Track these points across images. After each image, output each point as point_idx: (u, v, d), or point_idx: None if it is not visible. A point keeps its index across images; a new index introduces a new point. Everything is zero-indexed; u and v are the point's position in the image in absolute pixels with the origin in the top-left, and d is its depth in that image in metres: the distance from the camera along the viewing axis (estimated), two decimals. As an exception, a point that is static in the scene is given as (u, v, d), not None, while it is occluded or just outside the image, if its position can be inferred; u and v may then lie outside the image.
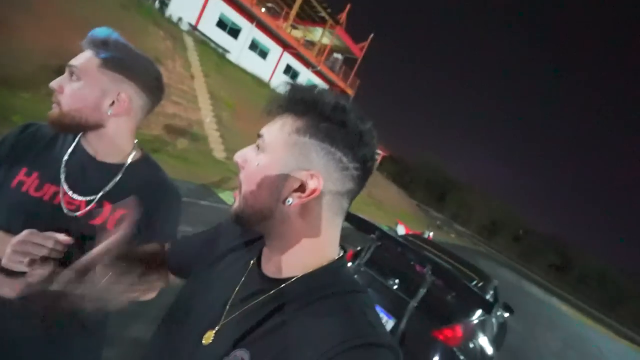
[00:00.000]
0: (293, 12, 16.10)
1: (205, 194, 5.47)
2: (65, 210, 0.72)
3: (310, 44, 19.39)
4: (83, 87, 0.70)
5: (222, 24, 14.14)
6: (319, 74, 18.89)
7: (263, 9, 15.92)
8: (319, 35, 18.83)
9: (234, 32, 14.74)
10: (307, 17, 18.11)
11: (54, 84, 0.71)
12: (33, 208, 0.71)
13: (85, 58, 0.71)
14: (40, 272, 0.59)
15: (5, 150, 0.75)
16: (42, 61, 5.42)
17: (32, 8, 6.12)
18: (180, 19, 12.10)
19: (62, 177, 0.73)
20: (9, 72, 5.02)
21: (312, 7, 16.70)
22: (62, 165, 0.74)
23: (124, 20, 8.14)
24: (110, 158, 0.78)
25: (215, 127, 9.06)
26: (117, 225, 0.59)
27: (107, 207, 0.75)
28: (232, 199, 5.48)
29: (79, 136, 0.78)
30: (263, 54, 16.21)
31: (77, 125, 0.72)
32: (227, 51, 14.14)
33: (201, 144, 8.02)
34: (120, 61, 0.72)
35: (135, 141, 0.83)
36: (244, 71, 14.25)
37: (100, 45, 0.71)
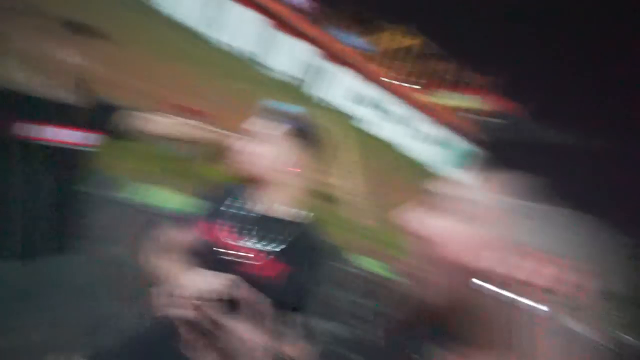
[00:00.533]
0: None
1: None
2: (240, 260, 0.78)
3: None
4: (268, 150, 0.84)
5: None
6: None
7: None
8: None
9: None
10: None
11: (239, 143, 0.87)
12: (215, 253, 0.78)
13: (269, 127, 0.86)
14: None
15: (206, 201, 0.87)
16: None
17: None
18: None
19: (243, 227, 0.80)
20: None
21: None
22: (236, 211, 0.82)
23: None
24: (281, 211, 0.84)
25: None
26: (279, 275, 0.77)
27: (279, 263, 0.79)
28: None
29: (253, 187, 0.86)
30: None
31: (257, 179, 0.84)
32: None
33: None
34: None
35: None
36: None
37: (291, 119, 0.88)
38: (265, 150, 0.80)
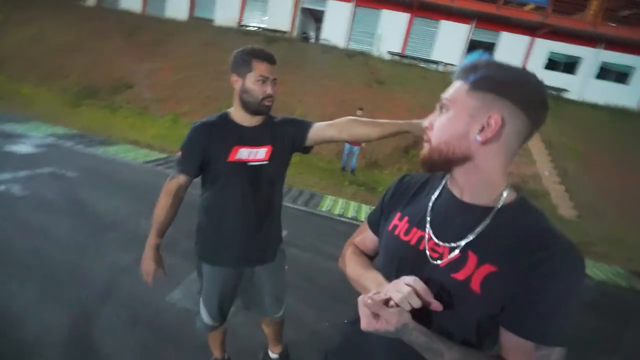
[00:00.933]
0: None
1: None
2: (429, 258, 0.66)
3: None
4: (451, 117, 0.63)
5: (553, 63, 12.53)
6: None
7: (614, 24, 12.28)
8: None
9: (569, 66, 12.63)
10: None
11: (425, 121, 0.68)
12: (402, 252, 0.70)
13: (453, 88, 0.64)
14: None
15: (387, 198, 0.81)
16: (394, 145, 8.29)
17: (385, 109, 8.97)
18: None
19: (428, 220, 0.69)
20: (377, 156, 8.10)
21: None
22: (429, 209, 0.70)
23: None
24: (478, 199, 0.65)
25: (558, 179, 7.93)
26: (483, 286, 0.58)
27: (472, 260, 0.61)
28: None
29: (446, 177, 0.73)
30: (622, 76, 12.41)
31: (446, 160, 0.64)
32: (563, 90, 12.06)
33: (541, 201, 7.12)
34: (491, 78, 0.60)
35: (508, 183, 0.66)
36: (594, 107, 11.51)
37: (470, 71, 0.62)
38: (451, 118, 0.61)
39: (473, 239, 0.62)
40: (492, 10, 11.87)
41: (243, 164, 1.27)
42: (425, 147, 0.66)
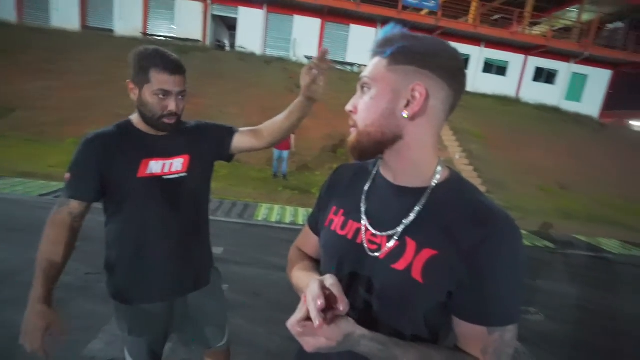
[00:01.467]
0: (528, 9, 14.23)
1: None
2: (367, 251, 0.61)
3: (564, 31, 15.90)
4: (374, 95, 0.59)
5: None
6: (590, 61, 14.50)
7: (489, 25, 14.48)
8: (574, 15, 15.28)
9: None
10: (550, 3, 15.13)
11: (348, 106, 0.62)
12: (341, 248, 0.66)
13: (372, 65, 0.61)
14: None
15: (323, 193, 0.77)
16: (322, 146, 8.45)
17: (315, 113, 8.74)
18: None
19: (362, 210, 0.65)
20: (306, 159, 8.08)
21: None
22: (363, 198, 0.66)
23: None
24: (412, 180, 0.61)
25: (467, 161, 8.67)
26: (425, 273, 0.55)
27: (411, 246, 0.57)
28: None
29: (378, 164, 0.68)
30: (501, 70, 14.65)
31: (375, 143, 0.59)
32: None
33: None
34: (409, 50, 0.57)
35: (440, 158, 0.63)
36: (484, 96, 13.24)
37: (386, 44, 0.59)
38: (374, 97, 0.58)
39: (409, 224, 0.58)
40: (393, 14, 13.00)
41: (157, 178, 1.09)
42: (353, 133, 0.61)
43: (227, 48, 14.37)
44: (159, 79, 1.01)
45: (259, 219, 4.71)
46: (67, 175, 1.04)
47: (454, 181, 0.61)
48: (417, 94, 0.55)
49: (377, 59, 0.60)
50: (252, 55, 12.48)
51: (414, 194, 0.60)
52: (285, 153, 6.95)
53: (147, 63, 1.01)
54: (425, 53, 0.56)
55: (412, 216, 0.58)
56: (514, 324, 0.55)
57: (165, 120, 1.06)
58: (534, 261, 4.43)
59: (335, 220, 0.69)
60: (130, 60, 1.04)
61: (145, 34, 12.68)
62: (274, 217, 4.85)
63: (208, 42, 13.19)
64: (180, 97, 1.07)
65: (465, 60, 14.41)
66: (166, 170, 1.10)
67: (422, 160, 0.60)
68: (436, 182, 0.60)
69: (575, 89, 15.25)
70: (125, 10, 12.64)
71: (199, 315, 1.28)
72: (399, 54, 0.57)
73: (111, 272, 1.16)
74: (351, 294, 0.60)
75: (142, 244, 1.10)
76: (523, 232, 5.70)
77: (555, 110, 13.77)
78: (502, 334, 0.54)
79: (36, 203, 4.26)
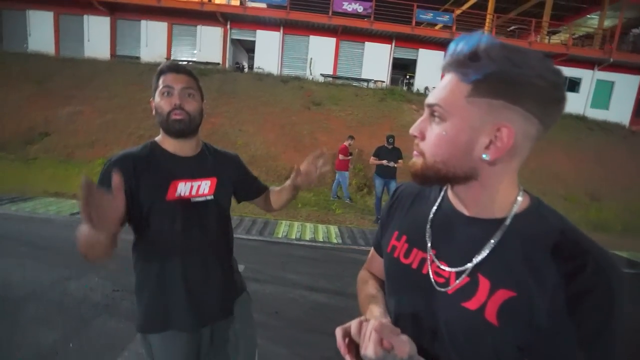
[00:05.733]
0: (545, 18, 14.08)
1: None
2: (434, 284, 0.56)
3: (586, 38, 15.71)
4: (449, 129, 0.50)
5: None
6: (616, 67, 13.87)
7: (504, 36, 14.62)
8: (595, 22, 15.15)
9: None
10: (569, 11, 15.37)
11: (414, 129, 0.54)
12: (404, 278, 0.61)
13: (448, 88, 0.50)
14: None
15: (384, 214, 0.73)
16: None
17: (327, 128, 9.78)
18: (426, 89, 13.18)
19: (428, 239, 0.59)
20: (323, 175, 7.98)
21: None
22: (428, 226, 0.60)
23: (384, 109, 10.81)
24: (486, 212, 0.54)
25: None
26: (501, 316, 0.48)
27: (485, 285, 0.50)
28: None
29: (445, 187, 0.62)
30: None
31: (444, 179, 0.54)
32: None
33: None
34: (499, 78, 0.46)
35: (521, 187, 0.54)
36: None
37: (468, 62, 0.48)
38: (449, 131, 0.50)
39: (482, 260, 0.51)
40: (407, 30, 13.13)
41: (186, 201, 1.06)
42: (418, 161, 0.54)
43: (246, 69, 14.87)
44: (164, 80, 1.05)
45: (279, 236, 4.71)
46: None
47: (535, 210, 0.53)
48: (503, 136, 0.47)
49: (454, 81, 0.50)
50: (269, 75, 12.85)
51: (488, 225, 0.52)
52: (346, 174, 6.84)
53: (156, 76, 1.07)
54: (519, 83, 0.46)
55: (486, 251, 0.51)
56: None
57: (173, 116, 1.03)
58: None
59: (398, 247, 0.63)
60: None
61: (168, 59, 13.35)
62: (294, 234, 4.83)
63: (227, 65, 13.70)
64: (186, 95, 1.05)
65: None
66: (194, 192, 1.08)
67: (499, 195, 0.53)
68: (514, 213, 0.52)
69: (602, 96, 14.69)
70: (151, 38, 13.41)
71: (229, 343, 1.22)
72: (486, 82, 0.47)
73: (139, 300, 1.11)
74: (414, 328, 0.57)
75: (167, 267, 1.06)
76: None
77: (580, 119, 13.26)
78: None
79: (67, 222, 4.44)
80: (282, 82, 12.17)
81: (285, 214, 5.89)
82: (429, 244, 0.58)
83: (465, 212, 0.56)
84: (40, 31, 12.93)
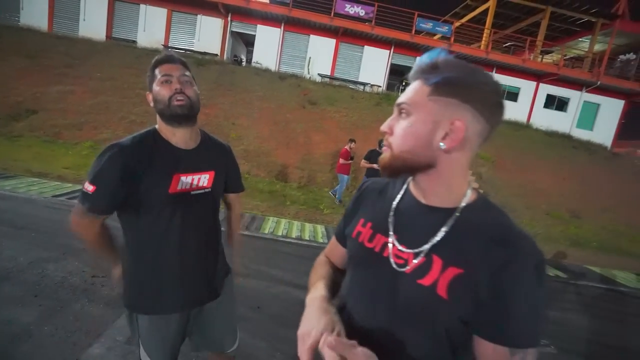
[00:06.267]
0: (540, 38, 14.64)
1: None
2: (393, 265, 0.63)
3: (576, 60, 16.41)
4: (413, 122, 0.60)
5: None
6: (602, 90, 14.63)
7: (500, 52, 15.08)
8: (586, 45, 15.91)
9: None
10: (562, 33, 15.99)
11: (384, 126, 0.64)
12: (367, 260, 0.68)
13: (413, 90, 0.61)
14: None
15: (350, 205, 0.80)
16: (331, 162, 8.58)
17: (322, 128, 9.87)
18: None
19: (390, 226, 0.67)
20: (316, 174, 8.28)
21: (565, 19, 14.67)
22: (391, 214, 0.68)
23: (379, 114, 10.70)
24: (441, 201, 0.64)
25: (475, 185, 9.03)
26: (450, 290, 0.56)
27: (438, 264, 0.59)
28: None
29: (408, 180, 0.71)
30: (512, 95, 14.73)
31: (409, 168, 0.63)
32: None
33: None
34: (453, 82, 0.58)
35: (471, 178, 0.66)
36: None
37: (429, 70, 0.60)
38: (413, 124, 0.59)
39: (436, 242, 0.60)
40: (407, 38, 13.27)
41: (186, 194, 1.10)
42: (387, 153, 0.63)
43: (244, 63, 14.77)
44: (161, 70, 1.08)
45: (266, 232, 4.71)
46: (91, 187, 1.00)
47: (481, 203, 0.63)
48: (456, 128, 0.57)
49: (419, 84, 0.61)
50: (267, 70, 12.80)
51: (443, 213, 0.62)
52: (347, 177, 6.93)
53: (152, 68, 1.10)
54: (468, 87, 0.57)
55: (439, 235, 0.60)
56: (534, 348, 0.55)
57: (175, 102, 1.05)
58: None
59: (363, 233, 0.70)
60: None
61: (166, 46, 13.15)
62: (281, 231, 4.84)
63: (226, 57, 13.59)
64: (185, 81, 1.08)
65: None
66: (194, 185, 1.13)
67: (453, 184, 0.63)
68: (464, 204, 0.62)
69: (587, 117, 15.16)
70: (149, 23, 13.18)
71: (215, 321, 1.30)
72: (443, 84, 0.58)
73: (129, 281, 1.15)
74: (374, 306, 0.63)
75: (160, 256, 1.11)
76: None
77: (566, 138, 13.66)
78: (524, 356, 0.54)
79: (49, 203, 4.34)
80: (280, 78, 12.14)
81: (273, 210, 5.89)
82: (391, 230, 0.66)
83: (424, 202, 0.65)
84: (34, 5, 12.57)
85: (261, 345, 2.22)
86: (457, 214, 0.61)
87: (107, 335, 2.07)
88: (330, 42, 13.74)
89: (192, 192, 1.12)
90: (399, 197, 0.70)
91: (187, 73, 1.10)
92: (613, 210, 9.54)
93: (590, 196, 9.98)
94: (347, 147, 6.76)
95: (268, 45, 13.63)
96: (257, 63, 13.48)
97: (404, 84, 14.71)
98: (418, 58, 0.63)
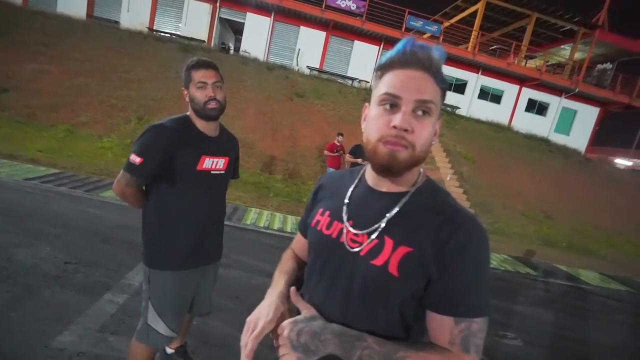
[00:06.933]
0: (524, 43, 15.19)
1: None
2: (348, 248, 0.66)
3: (558, 66, 17.00)
4: (433, 123, 0.62)
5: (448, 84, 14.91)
6: (580, 97, 15.24)
7: (487, 54, 15.31)
8: (567, 53, 16.44)
9: (459, 87, 14.86)
10: (546, 39, 16.49)
11: (404, 124, 0.59)
12: (325, 246, 0.70)
13: (432, 89, 0.60)
14: None
15: (311, 198, 0.83)
16: (316, 155, 8.64)
17: (308, 121, 9.83)
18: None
19: (345, 213, 0.70)
20: (300, 167, 8.19)
21: (550, 27, 15.20)
22: (346, 201, 0.71)
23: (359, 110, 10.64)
24: (394, 187, 0.67)
25: (457, 183, 9.09)
26: (400, 268, 0.59)
27: (389, 244, 0.62)
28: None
29: (363, 169, 0.75)
30: (496, 98, 15.23)
31: (415, 166, 0.63)
32: (456, 107, 14.24)
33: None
34: (444, 79, 0.62)
35: (421, 167, 0.69)
36: (478, 121, 13.97)
37: (430, 62, 0.60)
38: (432, 123, 0.61)
39: (387, 223, 0.63)
40: (397, 35, 13.33)
41: (207, 172, 1.38)
42: (404, 153, 0.60)
43: (232, 51, 14.47)
44: (198, 75, 1.32)
45: (248, 222, 4.68)
46: (138, 159, 1.24)
47: (429, 186, 0.68)
48: (439, 127, 0.65)
49: (432, 83, 0.60)
50: (255, 60, 12.60)
51: (394, 197, 0.66)
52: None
53: (188, 69, 1.34)
54: (445, 93, 0.63)
55: (389, 216, 0.64)
56: (481, 317, 0.58)
57: (209, 106, 1.32)
58: (516, 286, 4.49)
59: (322, 221, 0.73)
60: (182, 74, 1.36)
61: (151, 29, 12.70)
62: (263, 223, 4.83)
63: (213, 44, 13.27)
64: (217, 86, 1.35)
65: (462, 85, 14.81)
66: (214, 166, 1.40)
67: (415, 172, 0.67)
68: (415, 187, 0.66)
69: (565, 123, 15.75)
70: (133, 3, 12.69)
71: (207, 285, 1.57)
72: (444, 90, 0.63)
73: (152, 240, 1.38)
74: (333, 289, 0.66)
75: (182, 220, 1.36)
76: (505, 256, 5.78)
77: (544, 141, 14.16)
78: (469, 324, 0.57)
79: (20, 187, 4.16)
80: (268, 69, 11.98)
81: (256, 202, 5.86)
82: (346, 216, 0.69)
83: (378, 188, 0.68)
84: (8, -23, 11.86)
85: (237, 334, 2.22)
86: (407, 197, 0.65)
87: (79, 323, 2.02)
88: (321, 35, 13.64)
89: (212, 172, 1.40)
90: (353, 185, 0.73)
91: (219, 79, 1.36)
92: (583, 212, 10.00)
93: (563, 198, 10.42)
94: (335, 140, 6.79)
95: (257, 35, 13.40)
96: (245, 52, 13.24)
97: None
98: (411, 39, 0.62)
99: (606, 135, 16.61)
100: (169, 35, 12.56)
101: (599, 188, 11.82)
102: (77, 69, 9.06)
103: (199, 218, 1.38)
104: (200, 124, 1.37)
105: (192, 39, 12.59)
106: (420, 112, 0.59)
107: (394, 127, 0.59)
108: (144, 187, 1.36)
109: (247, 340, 0.62)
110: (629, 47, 15.26)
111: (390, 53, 0.63)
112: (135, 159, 1.24)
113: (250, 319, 0.64)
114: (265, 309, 0.65)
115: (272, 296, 0.69)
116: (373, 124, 0.62)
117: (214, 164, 1.39)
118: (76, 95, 8.32)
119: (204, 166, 1.36)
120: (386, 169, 0.62)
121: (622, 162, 19.94)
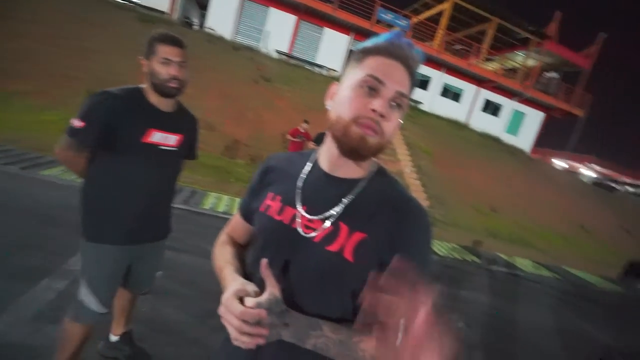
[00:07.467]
0: (485, 46, 15.67)
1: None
2: (302, 234, 0.65)
3: (512, 71, 17.74)
4: (401, 115, 0.64)
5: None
6: (529, 101, 16.53)
7: (451, 53, 15.73)
8: (521, 59, 17.30)
9: (423, 83, 15.26)
10: (504, 44, 16.98)
11: (382, 109, 0.59)
12: (277, 232, 0.68)
13: (407, 84, 0.62)
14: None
15: (257, 181, 0.79)
16: (280, 141, 8.41)
17: (274, 106, 9.56)
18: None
19: (298, 198, 0.69)
20: (262, 152, 7.79)
21: (508, 33, 15.80)
22: (299, 186, 0.70)
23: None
24: (349, 173, 0.68)
25: (415, 176, 9.38)
26: (356, 254, 0.61)
27: (344, 230, 0.63)
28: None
29: (315, 154, 0.74)
30: (456, 96, 15.89)
31: (380, 153, 0.65)
32: (419, 102, 14.55)
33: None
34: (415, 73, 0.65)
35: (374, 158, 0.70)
36: (438, 117, 14.36)
37: (410, 56, 0.62)
38: (402, 114, 0.64)
39: (342, 210, 0.64)
40: (367, 26, 13.40)
41: (154, 146, 1.33)
42: (374, 139, 0.61)
43: (196, 27, 13.66)
44: (163, 50, 1.26)
45: (206, 207, 4.55)
46: (81, 123, 1.20)
47: (381, 174, 0.71)
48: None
49: (408, 79, 0.62)
50: (220, 39, 12.01)
51: (348, 184, 0.67)
52: None
53: (154, 41, 1.27)
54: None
55: (344, 202, 0.65)
56: None
57: (170, 85, 1.28)
58: (463, 273, 4.85)
59: (273, 206, 0.71)
60: (145, 43, 1.29)
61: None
62: (222, 208, 4.72)
63: (175, 17, 12.42)
64: (181, 65, 1.29)
65: (426, 81, 15.34)
66: (163, 141, 1.35)
67: (372, 159, 0.69)
68: (370, 175, 0.68)
69: (515, 124, 17.04)
70: (83, -38, 11.43)
71: (146, 263, 1.52)
72: (414, 89, 0.65)
73: (89, 211, 1.32)
74: (286, 276, 0.65)
75: (122, 193, 1.31)
76: (455, 245, 6.21)
77: (496, 140, 15.21)
78: None
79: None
80: (234, 49, 11.50)
81: (216, 186, 5.70)
82: (299, 202, 0.68)
83: (333, 174, 0.69)
84: None
85: (191, 320, 2.19)
86: (363, 183, 0.67)
87: (11, 311, 1.86)
88: (291, 19, 13.32)
89: (160, 147, 1.35)
90: (307, 169, 0.72)
91: (185, 57, 1.30)
92: (524, 207, 10.97)
93: (508, 194, 11.34)
94: (299, 127, 6.74)
95: (224, 11, 12.76)
96: (210, 29, 12.57)
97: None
98: (399, 33, 0.64)
99: (548, 138, 18.36)
100: (127, 2, 11.53)
101: (540, 186, 13.00)
102: (23, 30, 8.00)
103: (142, 192, 1.34)
104: (154, 98, 1.33)
105: (152, 9, 11.67)
106: (394, 104, 0.61)
107: (373, 110, 0.59)
108: (87, 157, 1.30)
109: (233, 319, 0.58)
110: (572, 59, 16.76)
111: (377, 40, 0.63)
112: (77, 122, 1.20)
113: (226, 296, 0.60)
114: (239, 284, 0.61)
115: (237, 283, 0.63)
116: (348, 103, 0.61)
117: (164, 138, 1.35)
118: (19, 61, 7.35)
119: (151, 139, 1.31)
120: (354, 152, 0.62)
121: (559, 163, 22.07)
